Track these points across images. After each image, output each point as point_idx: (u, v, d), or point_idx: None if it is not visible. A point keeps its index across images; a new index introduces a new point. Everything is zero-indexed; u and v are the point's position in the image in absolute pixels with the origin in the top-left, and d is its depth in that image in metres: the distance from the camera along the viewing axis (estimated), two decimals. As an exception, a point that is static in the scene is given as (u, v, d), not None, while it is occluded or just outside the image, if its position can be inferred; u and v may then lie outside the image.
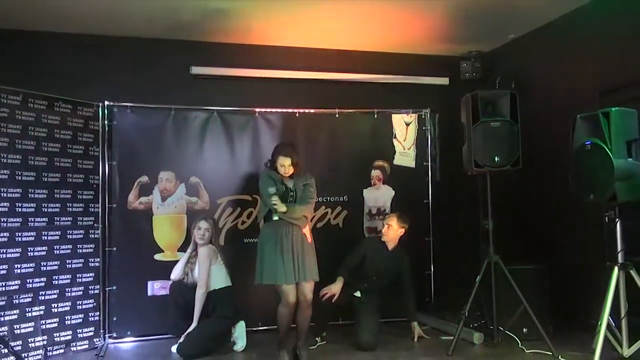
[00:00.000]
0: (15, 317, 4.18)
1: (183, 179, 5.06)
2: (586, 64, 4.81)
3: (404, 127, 5.63)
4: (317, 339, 4.61)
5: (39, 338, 4.30)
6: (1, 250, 4.14)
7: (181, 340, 4.33)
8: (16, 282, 4.20)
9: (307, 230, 4.03)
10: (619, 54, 4.47)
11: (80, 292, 4.63)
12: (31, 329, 4.26)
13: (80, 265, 4.64)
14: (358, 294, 4.73)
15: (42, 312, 4.35)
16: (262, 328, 4.97)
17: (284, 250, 3.88)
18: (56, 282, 4.46)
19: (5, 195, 4.18)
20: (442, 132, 5.80)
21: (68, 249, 4.55)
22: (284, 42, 5.60)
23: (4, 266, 4.14)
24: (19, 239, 4.24)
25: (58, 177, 4.52)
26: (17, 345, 4.10)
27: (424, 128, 5.68)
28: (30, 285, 4.29)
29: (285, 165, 3.97)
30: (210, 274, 4.47)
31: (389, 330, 4.85)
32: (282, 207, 3.92)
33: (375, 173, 5.52)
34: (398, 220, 4.77)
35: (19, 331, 4.18)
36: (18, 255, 4.23)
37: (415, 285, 4.96)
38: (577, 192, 3.96)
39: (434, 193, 5.66)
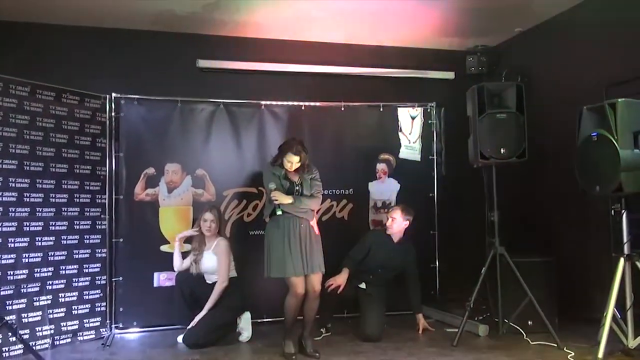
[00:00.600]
0: (24, 305, 4.21)
1: (189, 171, 5.08)
2: (593, 57, 4.80)
3: (409, 121, 5.64)
4: (322, 330, 4.62)
5: (47, 327, 4.32)
6: (9, 240, 4.17)
7: (187, 330, 4.35)
8: (24, 271, 4.23)
9: (314, 223, 4.04)
10: (626, 47, 4.47)
11: (87, 283, 4.66)
12: (39, 318, 4.29)
13: (87, 255, 4.67)
14: (363, 285, 4.74)
15: (49, 302, 4.37)
16: (267, 320, 4.99)
17: (291, 243, 3.90)
18: (63, 272, 4.49)
19: (13, 185, 4.21)
20: (448, 126, 5.80)
21: (75, 239, 4.58)
22: (291, 35, 5.61)
23: (12, 255, 4.17)
24: (27, 228, 4.27)
25: (66, 168, 4.55)
26: (25, 334, 4.13)
27: (429, 122, 5.68)
28: (38, 275, 4.32)
29: (292, 162, 3.99)
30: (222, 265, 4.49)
31: (394, 323, 4.85)
32: (287, 199, 3.93)
33: (381, 166, 5.53)
34: (402, 212, 4.78)
35: (26, 320, 4.22)
36: (26, 244, 4.26)
37: (421, 278, 4.98)
38: (583, 183, 3.96)
39: (440, 187, 5.66)
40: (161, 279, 4.93)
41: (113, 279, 4.84)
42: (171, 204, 5.01)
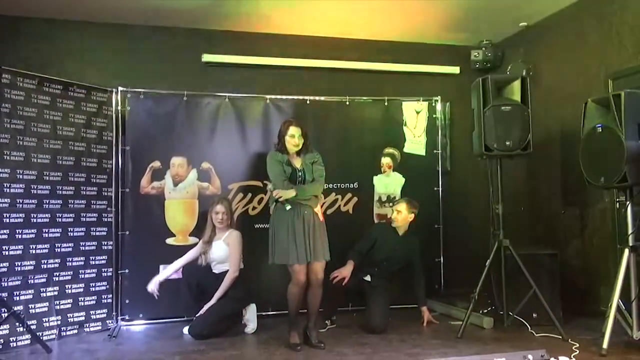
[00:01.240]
0: (31, 296, 4.25)
1: (195, 164, 5.10)
2: (597, 50, 4.80)
3: (414, 115, 5.65)
4: (326, 322, 4.64)
5: (53, 318, 4.36)
6: (17, 231, 4.20)
7: (193, 320, 4.37)
8: (31, 262, 4.27)
9: (318, 209, 4.05)
10: (631, 40, 4.46)
11: (94, 274, 4.69)
12: (46, 308, 4.33)
13: (94, 247, 4.70)
14: (368, 278, 4.75)
15: (56, 293, 4.41)
16: (272, 312, 5.00)
17: (296, 231, 3.92)
18: (70, 264, 4.53)
19: (21, 177, 4.25)
20: (453, 120, 5.81)
21: (82, 231, 4.62)
22: (296, 30, 5.63)
23: (19, 246, 4.21)
24: (34, 220, 4.31)
25: (72, 161, 4.59)
26: (32, 324, 4.17)
27: (434, 116, 5.69)
28: (45, 266, 4.36)
29: (295, 135, 4.00)
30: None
31: (399, 316, 4.86)
32: (289, 193, 3.93)
33: (386, 160, 5.54)
34: (407, 205, 4.79)
35: (33, 311, 4.25)
36: (33, 236, 4.29)
37: (425, 272, 4.99)
38: (588, 175, 3.96)
39: (444, 181, 5.67)
40: (167, 271, 4.94)
41: (119, 271, 4.87)
42: (177, 197, 5.04)
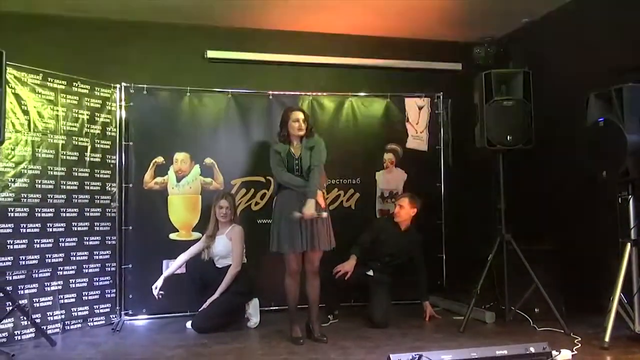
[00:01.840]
0: (35, 290, 4.27)
1: (198, 160, 5.12)
2: (600, 46, 4.79)
3: (416, 111, 5.66)
4: (329, 317, 4.65)
5: (58, 312, 4.38)
6: (22, 225, 4.22)
7: (196, 314, 4.39)
8: (36, 256, 4.29)
9: (320, 197, 4.02)
10: (633, 34, 4.45)
11: (98, 269, 4.71)
12: (50, 302, 4.35)
13: (98, 242, 4.72)
14: (371, 273, 4.76)
15: (60, 287, 4.43)
16: (274, 308, 5.01)
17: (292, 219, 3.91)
18: (74, 258, 4.55)
19: (25, 171, 4.27)
20: (455, 116, 5.81)
21: (86, 226, 4.64)
22: (298, 27, 5.64)
23: (24, 241, 4.23)
24: (39, 214, 4.32)
25: (76, 156, 4.61)
26: (37, 318, 4.19)
27: (436, 112, 5.70)
28: (50, 261, 4.38)
29: (299, 119, 4.01)
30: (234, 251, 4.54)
31: (401, 311, 4.87)
32: (311, 208, 3.88)
33: (388, 156, 5.55)
34: (410, 200, 4.80)
35: (38, 304, 4.27)
36: (38, 230, 4.31)
37: (427, 268, 5.00)
38: (589, 169, 3.97)
39: (446, 177, 5.67)
40: (170, 266, 4.95)
41: (123, 266, 4.89)
42: (180, 193, 5.06)
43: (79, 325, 4.53)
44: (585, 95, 4.07)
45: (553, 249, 4.67)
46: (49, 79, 4.47)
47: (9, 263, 4.14)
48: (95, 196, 4.73)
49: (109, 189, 4.84)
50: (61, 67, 4.64)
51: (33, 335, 4.14)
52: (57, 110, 4.51)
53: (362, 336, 4.15)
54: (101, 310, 4.71)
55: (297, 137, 4.10)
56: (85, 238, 4.62)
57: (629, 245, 3.81)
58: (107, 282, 4.78)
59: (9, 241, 4.15)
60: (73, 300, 4.52)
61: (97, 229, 4.73)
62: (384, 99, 5.58)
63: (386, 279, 4.73)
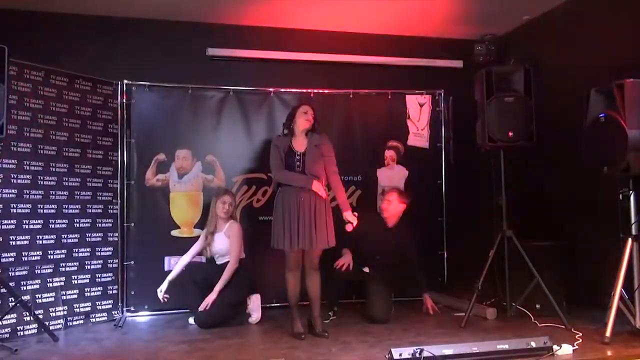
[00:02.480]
0: (37, 286, 4.29)
1: (199, 157, 5.14)
2: (601, 43, 4.80)
3: (417, 108, 5.67)
4: (329, 313, 4.66)
5: (60, 308, 4.40)
6: (24, 221, 4.24)
7: (199, 310, 4.41)
8: (38, 252, 4.31)
9: (319, 188, 3.97)
10: (635, 32, 4.47)
11: (100, 266, 4.73)
12: (52, 298, 4.37)
13: (100, 239, 4.74)
14: (367, 269, 4.75)
15: (62, 283, 4.45)
16: (276, 304, 5.03)
17: (291, 216, 3.94)
18: (76, 255, 4.57)
19: (28, 168, 4.29)
20: (456, 114, 5.83)
21: (88, 222, 4.66)
22: (299, 24, 5.66)
23: (26, 237, 4.25)
24: (41, 210, 4.35)
25: (79, 153, 4.63)
26: (39, 314, 4.21)
27: (437, 109, 5.71)
28: (52, 257, 4.40)
29: (308, 111, 4.03)
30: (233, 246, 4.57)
31: (402, 307, 4.89)
32: (353, 218, 3.98)
33: (389, 153, 5.57)
34: (398, 195, 4.79)
35: (40, 300, 4.29)
36: (40, 226, 4.33)
37: (429, 265, 5.05)
38: (590, 165, 3.98)
39: (448, 174, 5.69)
40: (172, 263, 4.95)
41: (124, 263, 4.90)
42: (181, 190, 5.08)
43: (81, 322, 4.56)
44: (586, 92, 4.07)
45: (554, 244, 4.67)
46: (52, 75, 4.49)
47: (12, 259, 4.16)
48: (98, 193, 4.75)
49: (111, 185, 4.86)
50: (63, 64, 4.66)
51: (35, 331, 4.16)
52: (59, 107, 4.52)
53: (364, 331, 4.16)
54: (103, 307, 4.73)
55: (302, 132, 4.10)
56: (87, 234, 4.65)
57: (629, 240, 3.82)
58: (109, 279, 4.80)
59: (11, 237, 4.16)
60: (75, 296, 4.54)
61: (99, 225, 4.75)
62: (385, 96, 5.58)
63: (384, 275, 4.70)
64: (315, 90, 5.42)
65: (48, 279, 4.36)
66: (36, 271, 4.29)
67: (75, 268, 4.56)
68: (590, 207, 4.81)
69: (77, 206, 4.58)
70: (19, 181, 4.23)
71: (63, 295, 4.44)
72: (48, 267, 4.37)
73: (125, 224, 4.92)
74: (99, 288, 4.71)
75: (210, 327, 4.31)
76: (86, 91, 4.72)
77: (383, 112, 5.59)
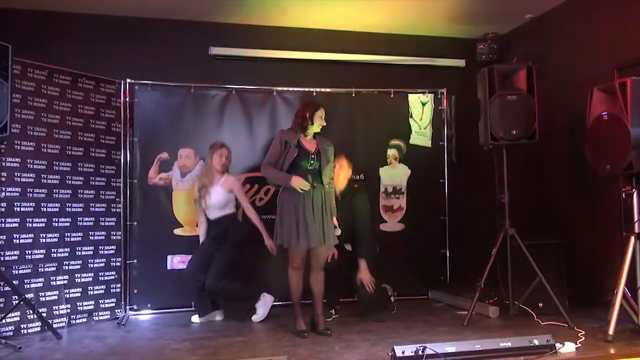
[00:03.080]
0: (41, 285, 4.31)
1: (202, 155, 5.13)
2: (603, 41, 4.80)
3: (420, 107, 5.68)
4: (331, 311, 4.66)
5: (63, 306, 4.42)
6: (27, 220, 4.26)
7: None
8: (41, 251, 4.33)
9: (299, 182, 3.96)
10: (638, 30, 4.47)
11: (103, 264, 4.75)
12: (55, 297, 4.39)
13: (103, 237, 4.76)
14: (349, 247, 4.71)
15: (66, 282, 4.47)
16: (279, 303, 5.02)
17: (299, 215, 3.94)
18: (80, 253, 4.59)
19: (31, 166, 4.31)
20: (458, 113, 5.84)
21: (91, 221, 4.68)
22: (302, 23, 5.67)
23: (30, 235, 4.27)
24: (44, 209, 4.37)
25: (81, 151, 4.65)
26: (43, 312, 4.21)
27: (439, 108, 5.72)
28: (55, 255, 4.42)
29: (322, 116, 4.06)
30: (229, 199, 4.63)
31: (405, 306, 4.93)
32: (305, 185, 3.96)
33: (392, 152, 5.58)
34: (347, 161, 4.70)
35: (44, 299, 4.31)
36: (43, 225, 4.35)
37: (432, 264, 5.05)
38: (594, 163, 3.98)
39: (450, 173, 5.70)
40: (174, 261, 5.01)
41: (128, 261, 4.92)
42: (184, 188, 5.09)
43: (84, 320, 4.57)
44: (589, 90, 4.08)
45: (556, 243, 4.67)
46: (55, 74, 4.51)
47: (15, 257, 4.18)
48: (101, 191, 4.76)
49: (115, 184, 4.88)
50: (67, 63, 4.67)
51: (39, 329, 4.18)
52: (63, 106, 4.54)
53: (366, 330, 4.17)
54: (106, 305, 4.75)
55: (311, 134, 4.12)
56: (90, 233, 4.67)
57: (632, 238, 3.82)
58: (113, 277, 4.82)
59: (14, 235, 4.18)
60: (78, 294, 4.56)
61: (103, 224, 4.77)
62: (388, 95, 5.59)
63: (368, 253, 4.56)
64: (318, 89, 5.43)
65: (51, 277, 4.38)
66: (40, 269, 4.31)
67: (79, 266, 4.58)
68: (593, 205, 4.81)
69: (80, 205, 4.60)
70: (22, 179, 4.26)
71: (66, 293, 4.46)
72: (51, 265, 4.39)
73: (128, 223, 4.95)
74: (102, 286, 4.74)
75: (220, 291, 4.47)
76: (89, 90, 4.74)
77: (385, 110, 5.61)
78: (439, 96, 5.72)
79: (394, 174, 5.59)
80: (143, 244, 4.98)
